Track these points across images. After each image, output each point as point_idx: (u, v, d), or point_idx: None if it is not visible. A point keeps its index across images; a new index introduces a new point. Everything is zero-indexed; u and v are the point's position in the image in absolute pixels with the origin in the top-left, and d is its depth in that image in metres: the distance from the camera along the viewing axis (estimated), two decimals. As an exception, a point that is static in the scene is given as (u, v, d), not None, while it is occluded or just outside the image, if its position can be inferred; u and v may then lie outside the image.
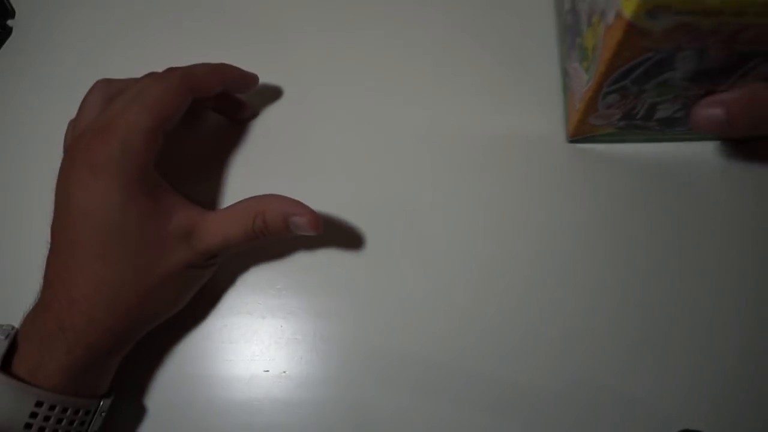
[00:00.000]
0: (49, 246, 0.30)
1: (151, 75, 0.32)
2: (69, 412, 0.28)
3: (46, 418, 0.27)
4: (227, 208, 0.31)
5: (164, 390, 0.34)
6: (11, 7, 0.42)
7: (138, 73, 0.39)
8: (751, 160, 0.34)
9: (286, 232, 0.30)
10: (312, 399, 0.33)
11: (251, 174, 0.37)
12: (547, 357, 0.33)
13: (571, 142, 0.35)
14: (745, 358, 0.32)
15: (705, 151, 0.34)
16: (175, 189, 0.32)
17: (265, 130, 0.38)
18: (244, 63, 0.36)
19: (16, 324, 0.30)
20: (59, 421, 0.28)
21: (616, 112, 0.30)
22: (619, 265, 0.34)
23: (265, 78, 0.37)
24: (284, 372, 0.34)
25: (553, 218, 0.34)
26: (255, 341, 0.35)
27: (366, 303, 0.35)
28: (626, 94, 0.28)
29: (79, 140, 0.30)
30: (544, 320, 0.34)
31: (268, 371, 0.34)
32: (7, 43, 0.41)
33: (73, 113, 0.40)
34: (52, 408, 0.27)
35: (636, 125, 0.32)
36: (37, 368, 0.28)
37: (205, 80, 0.32)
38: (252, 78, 0.36)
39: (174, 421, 0.33)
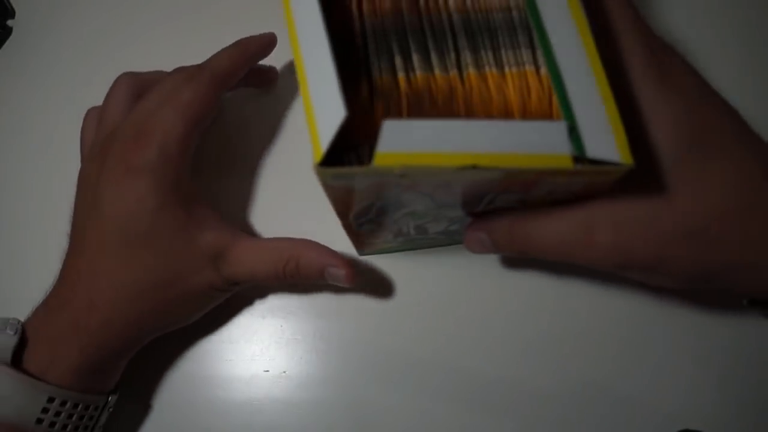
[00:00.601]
0: (69, 243, 0.30)
1: (181, 72, 0.32)
2: (79, 407, 0.28)
3: (57, 413, 0.28)
4: (260, 241, 0.31)
5: (165, 390, 0.34)
6: (11, 7, 0.42)
7: (139, 71, 0.39)
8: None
9: (319, 280, 0.30)
10: (312, 399, 0.33)
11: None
12: (547, 357, 0.33)
13: (362, 254, 0.35)
14: (746, 358, 0.32)
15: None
16: (203, 188, 0.31)
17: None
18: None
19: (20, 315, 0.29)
20: (69, 416, 0.28)
21: (382, 235, 0.30)
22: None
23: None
24: (284, 372, 0.34)
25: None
26: (255, 341, 0.35)
27: (366, 303, 0.35)
28: (380, 223, 0.28)
29: (112, 142, 0.29)
30: (544, 320, 0.34)
31: (268, 371, 0.34)
32: (7, 43, 0.41)
33: (72, 113, 0.40)
34: (63, 404, 0.28)
35: (416, 239, 0.32)
36: (49, 365, 0.28)
37: (233, 70, 0.32)
38: (270, 38, 0.34)
39: (174, 421, 0.33)
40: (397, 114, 0.22)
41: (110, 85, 0.33)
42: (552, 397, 0.32)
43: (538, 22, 0.21)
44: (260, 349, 0.34)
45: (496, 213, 0.26)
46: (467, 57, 0.23)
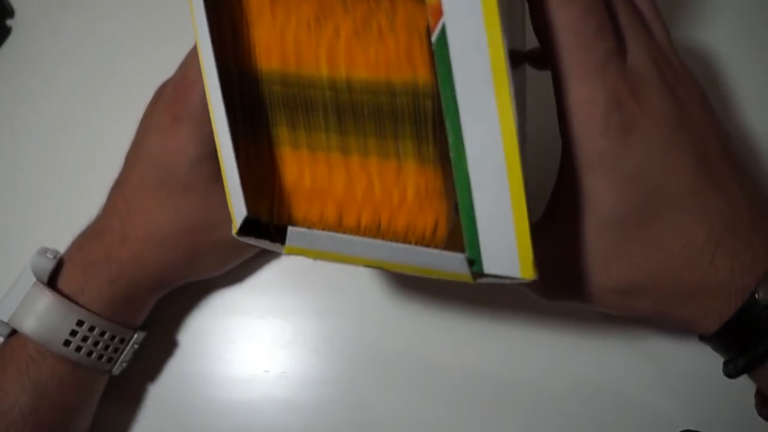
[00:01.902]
0: (117, 178, 0.31)
1: None
2: (106, 336, 0.29)
3: (84, 338, 0.28)
4: None
5: (164, 390, 0.34)
6: (11, 6, 0.42)
7: (138, 71, 0.39)
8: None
9: None
10: (312, 399, 0.33)
11: None
12: (548, 357, 0.33)
13: None
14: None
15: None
16: None
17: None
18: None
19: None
20: (95, 343, 0.29)
21: None
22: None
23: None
24: (284, 372, 0.34)
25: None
26: (255, 341, 0.34)
27: (366, 303, 0.35)
28: None
29: (164, 88, 0.31)
30: (543, 320, 0.34)
31: (268, 371, 0.34)
32: (6, 42, 0.41)
33: (72, 112, 0.40)
34: (91, 329, 0.28)
35: None
36: (80, 291, 0.29)
37: None
38: None
39: (174, 421, 0.33)
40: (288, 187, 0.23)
41: (116, 82, 0.34)
42: (553, 398, 0.32)
43: (454, 110, 0.18)
44: (260, 349, 0.34)
45: None
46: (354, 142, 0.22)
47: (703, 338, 0.26)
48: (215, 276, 0.33)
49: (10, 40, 0.42)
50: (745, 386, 0.32)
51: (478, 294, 0.34)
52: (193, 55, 0.30)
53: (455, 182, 0.19)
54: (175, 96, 0.29)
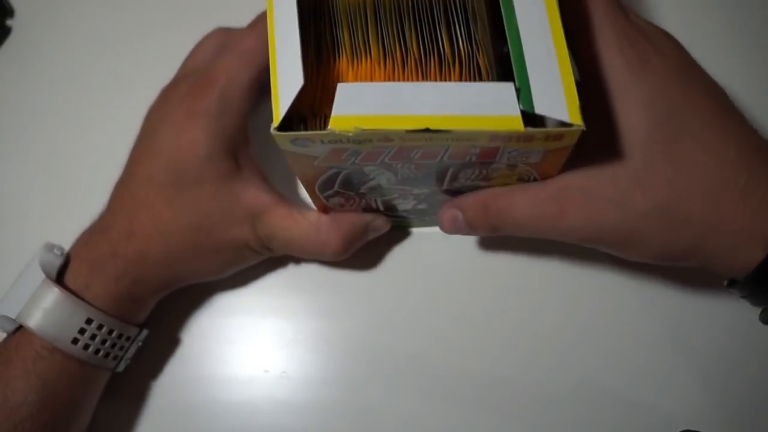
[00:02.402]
0: (122, 172, 0.31)
1: (247, 26, 0.33)
2: (114, 334, 0.29)
3: (93, 336, 0.28)
4: (298, 213, 0.30)
5: (164, 389, 0.34)
6: (11, 6, 0.42)
7: (138, 71, 0.39)
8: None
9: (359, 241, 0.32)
10: (312, 399, 0.33)
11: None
12: (549, 358, 0.33)
13: None
14: (746, 359, 0.32)
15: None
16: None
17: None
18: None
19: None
20: (103, 341, 0.29)
21: (351, 209, 0.31)
22: (621, 263, 0.34)
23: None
24: (284, 372, 0.34)
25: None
26: (254, 341, 0.34)
27: (366, 303, 0.35)
28: (348, 197, 0.29)
29: (179, 84, 0.30)
30: (544, 320, 0.34)
31: (267, 372, 0.34)
32: (6, 42, 0.41)
33: (72, 112, 0.40)
34: (99, 327, 0.28)
35: (386, 215, 0.32)
36: (86, 287, 0.28)
37: None
38: None
39: (173, 422, 0.33)
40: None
41: (116, 82, 0.34)
42: (554, 398, 0.32)
43: None
44: (260, 349, 0.34)
45: (470, 192, 0.27)
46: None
47: (734, 284, 0.26)
48: (218, 279, 0.33)
49: (10, 40, 0.41)
50: (745, 386, 0.32)
51: (479, 294, 0.34)
52: (220, 49, 0.30)
53: (508, 36, 0.22)
54: (194, 91, 0.29)
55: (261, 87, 0.30)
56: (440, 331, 0.34)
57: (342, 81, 0.24)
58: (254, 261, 0.33)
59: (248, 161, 0.31)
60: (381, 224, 0.32)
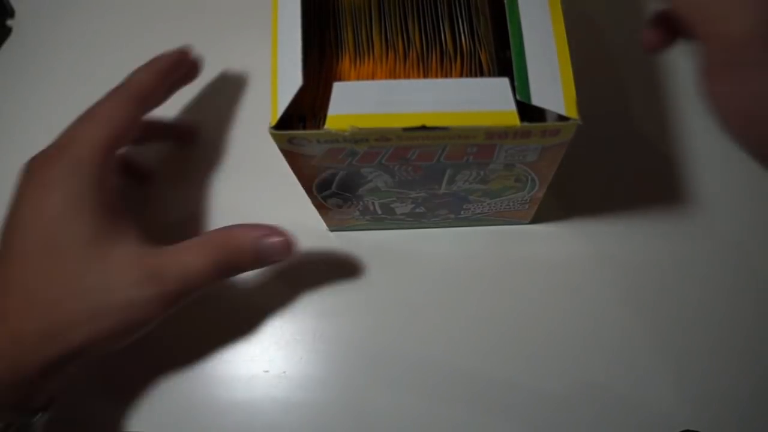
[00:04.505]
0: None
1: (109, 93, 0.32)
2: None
3: None
4: (185, 242, 0.29)
5: (163, 390, 0.34)
6: (11, 6, 0.42)
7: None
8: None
9: (255, 261, 0.29)
10: (312, 399, 0.33)
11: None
12: (549, 358, 0.33)
13: (333, 230, 0.35)
14: (746, 359, 0.32)
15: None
16: (160, 196, 0.32)
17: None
18: (247, 60, 0.35)
19: None
20: None
21: (349, 211, 0.31)
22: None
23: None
24: (284, 372, 0.34)
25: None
26: (254, 341, 0.34)
27: (366, 303, 0.35)
28: (345, 198, 0.28)
29: (35, 158, 0.30)
30: (544, 320, 0.34)
31: (267, 371, 0.34)
32: (6, 42, 0.41)
33: (72, 112, 0.40)
34: None
35: (384, 218, 0.32)
36: None
37: (150, 86, 0.32)
38: (180, 54, 0.34)
39: (174, 421, 0.33)
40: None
41: (116, 82, 0.34)
42: (553, 398, 0.32)
43: None
44: (260, 349, 0.34)
45: None
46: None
47: None
48: (116, 349, 0.29)
49: (10, 40, 0.42)
50: (745, 386, 0.32)
51: (479, 294, 0.34)
52: (74, 122, 0.30)
53: (509, 29, 0.21)
54: (46, 160, 0.29)
55: (117, 150, 0.30)
56: (440, 332, 0.34)
57: (343, 80, 0.24)
58: (148, 327, 0.29)
59: (120, 219, 0.29)
60: (274, 244, 0.28)
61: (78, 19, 0.41)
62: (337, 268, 0.35)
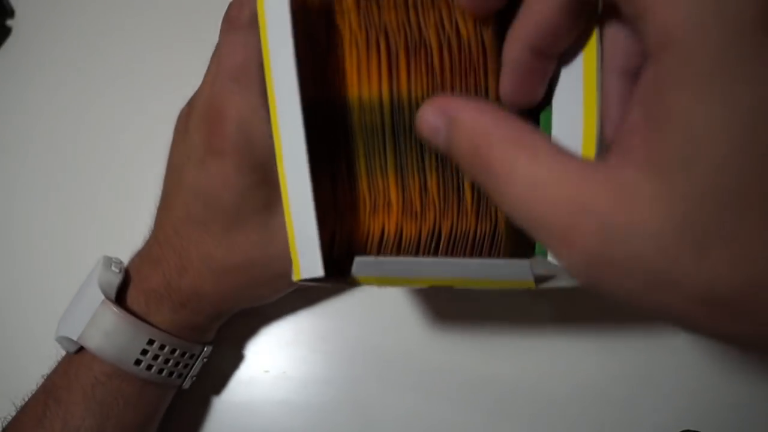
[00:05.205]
0: (161, 196, 0.30)
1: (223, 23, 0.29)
2: (177, 353, 0.29)
3: (155, 357, 0.28)
4: None
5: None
6: (11, 7, 0.42)
7: (138, 71, 0.39)
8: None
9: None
10: (312, 399, 0.33)
11: None
12: (549, 358, 0.33)
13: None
14: (746, 359, 0.32)
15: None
16: None
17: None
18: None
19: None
20: (166, 360, 0.29)
21: None
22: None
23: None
24: (285, 372, 0.34)
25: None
26: (255, 341, 0.34)
27: (367, 303, 0.35)
28: None
29: (192, 118, 0.28)
30: (545, 321, 0.34)
31: (268, 372, 0.34)
32: (6, 42, 0.41)
33: (72, 112, 0.40)
34: (162, 347, 0.28)
35: None
36: (146, 314, 0.28)
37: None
38: None
39: (174, 421, 0.33)
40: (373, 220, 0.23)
41: (116, 82, 0.33)
42: (553, 398, 0.32)
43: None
44: (260, 349, 0.34)
45: (477, 103, 0.17)
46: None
47: None
48: (266, 303, 0.33)
49: (10, 40, 0.41)
50: (744, 386, 0.32)
51: (479, 296, 0.34)
52: (215, 73, 0.28)
53: None
54: (208, 127, 0.27)
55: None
56: (441, 332, 0.34)
57: (359, 228, 0.23)
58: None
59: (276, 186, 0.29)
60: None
61: (78, 19, 0.41)
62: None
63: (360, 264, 0.21)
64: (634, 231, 0.14)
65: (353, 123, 0.22)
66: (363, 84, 0.22)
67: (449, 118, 0.17)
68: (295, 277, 0.21)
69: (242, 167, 0.27)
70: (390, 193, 0.22)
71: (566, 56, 0.19)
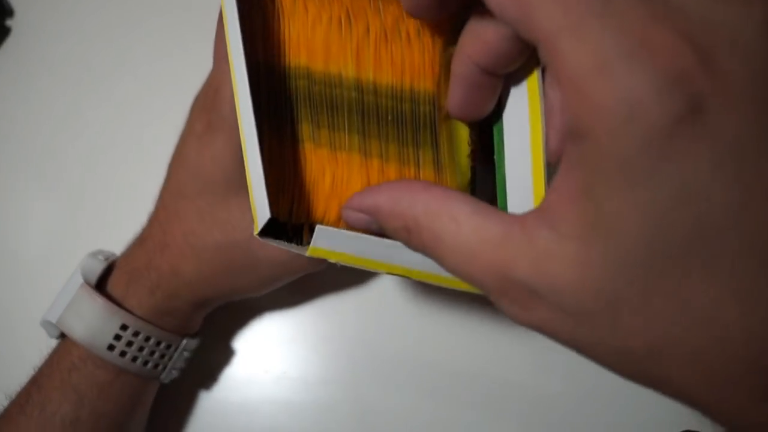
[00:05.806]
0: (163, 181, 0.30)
1: None
2: (151, 341, 0.29)
3: (129, 344, 0.28)
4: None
5: (162, 390, 0.34)
6: (11, 7, 0.42)
7: (139, 70, 0.39)
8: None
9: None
10: (312, 399, 0.33)
11: None
12: (549, 358, 0.33)
13: None
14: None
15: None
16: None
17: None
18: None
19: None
20: (140, 348, 0.28)
21: None
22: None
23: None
24: (284, 372, 0.34)
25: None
26: (254, 341, 0.34)
27: (367, 303, 0.35)
28: None
29: (199, 94, 0.30)
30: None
31: (268, 371, 0.34)
32: (6, 42, 0.41)
33: (72, 112, 0.40)
34: (135, 334, 0.28)
35: None
36: (123, 298, 0.28)
37: None
38: None
39: (173, 421, 0.33)
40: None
41: (116, 82, 0.33)
42: (553, 398, 0.32)
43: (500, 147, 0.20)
44: (260, 349, 0.34)
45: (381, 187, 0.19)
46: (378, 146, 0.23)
47: None
48: (254, 297, 0.32)
49: (10, 40, 0.41)
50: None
51: (479, 295, 0.34)
52: (217, 57, 0.29)
53: (496, 184, 0.20)
54: (206, 102, 0.28)
55: None
56: (440, 331, 0.34)
57: (318, 182, 0.23)
58: (293, 277, 0.31)
59: None
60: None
61: (78, 19, 0.41)
62: (338, 267, 0.35)
63: (321, 233, 0.21)
64: (556, 292, 0.15)
65: (296, 89, 0.22)
66: (317, 56, 0.22)
67: (370, 209, 0.19)
68: (255, 231, 0.21)
69: (233, 145, 0.27)
70: (351, 170, 0.23)
71: (513, 73, 0.19)
